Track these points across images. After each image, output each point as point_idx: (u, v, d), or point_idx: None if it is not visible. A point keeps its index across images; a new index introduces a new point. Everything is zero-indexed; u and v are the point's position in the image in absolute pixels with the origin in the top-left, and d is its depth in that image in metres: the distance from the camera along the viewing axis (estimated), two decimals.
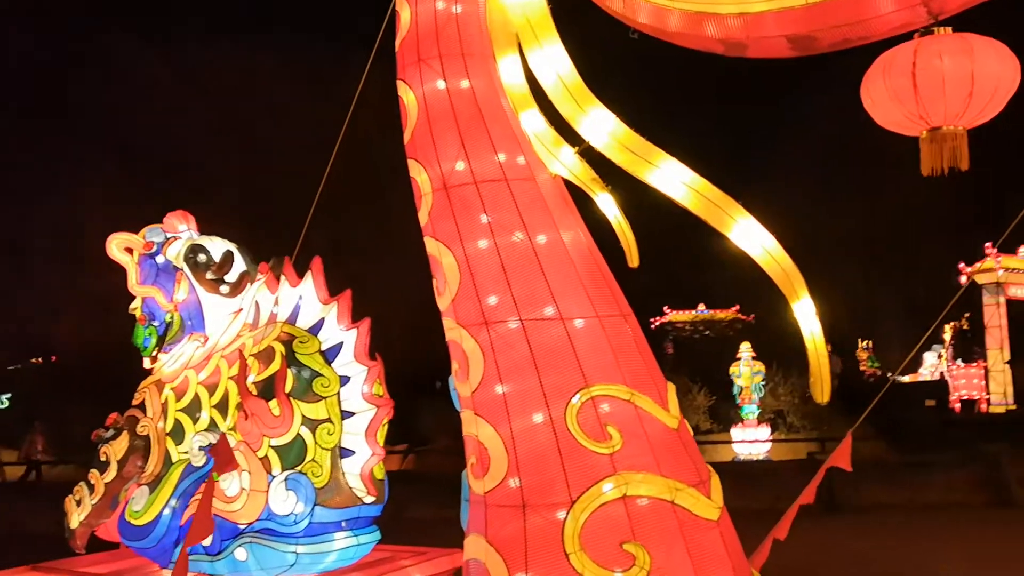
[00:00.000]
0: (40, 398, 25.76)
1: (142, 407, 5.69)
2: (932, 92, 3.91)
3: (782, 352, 22.49)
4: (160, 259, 5.92)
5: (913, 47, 4.14)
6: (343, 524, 5.09)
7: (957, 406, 33.31)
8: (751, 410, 21.16)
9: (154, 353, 5.85)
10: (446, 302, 4.80)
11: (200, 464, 5.32)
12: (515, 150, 4.87)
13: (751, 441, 20.73)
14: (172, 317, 5.81)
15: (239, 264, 5.80)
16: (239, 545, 4.98)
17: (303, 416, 4.99)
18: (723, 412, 23.95)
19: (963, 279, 33.76)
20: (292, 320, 5.41)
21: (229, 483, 5.02)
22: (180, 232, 5.98)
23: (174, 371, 5.67)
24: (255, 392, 5.01)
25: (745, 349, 21.89)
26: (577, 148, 4.98)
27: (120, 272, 6.04)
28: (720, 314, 42.60)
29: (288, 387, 4.97)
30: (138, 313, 5.94)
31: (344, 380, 5.18)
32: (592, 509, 4.17)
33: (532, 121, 5.09)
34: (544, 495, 4.28)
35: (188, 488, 5.33)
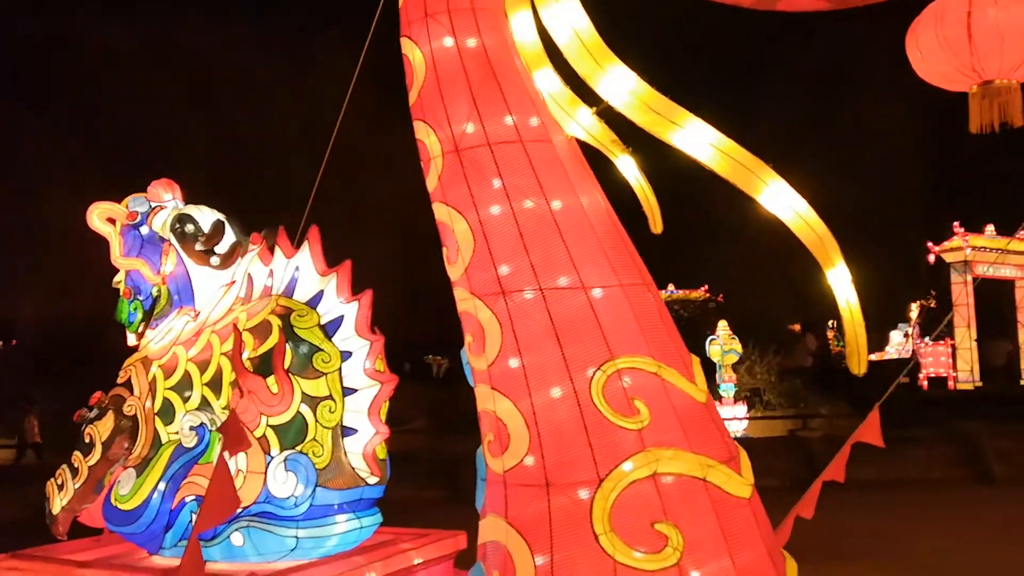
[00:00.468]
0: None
1: (128, 385, 5.37)
2: (988, 43, 3.68)
3: (757, 330, 22.57)
4: (144, 230, 5.57)
5: None
6: (345, 506, 4.85)
7: (925, 383, 33.77)
8: (728, 388, 21.14)
9: (140, 329, 5.53)
10: (459, 271, 4.54)
11: (191, 445, 5.03)
12: (529, 110, 4.60)
13: (729, 419, 20.72)
14: (159, 291, 5.49)
15: (230, 234, 5.49)
16: (235, 530, 4.72)
17: (303, 393, 4.74)
18: None
19: (931, 258, 34.14)
20: (288, 293, 5.13)
21: None
22: (165, 201, 5.64)
23: (162, 347, 5.35)
24: (251, 368, 4.74)
25: (722, 328, 21.84)
26: (595, 108, 4.73)
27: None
28: (693, 294, 42.64)
29: (287, 363, 4.71)
30: (122, 287, 5.61)
31: (345, 355, 4.92)
32: (622, 488, 3.94)
33: (546, 80, 4.83)
34: (569, 473, 4.04)
35: (178, 471, 5.05)
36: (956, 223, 33.93)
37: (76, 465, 5.34)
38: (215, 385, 5.11)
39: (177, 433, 5.13)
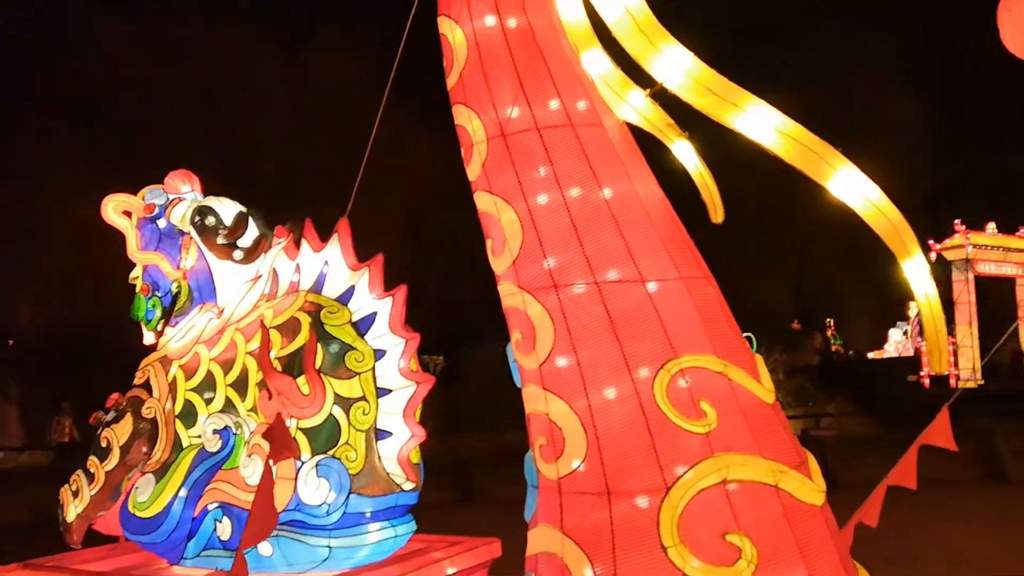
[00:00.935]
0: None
1: (146, 386, 5.09)
2: None
3: (764, 329, 22.30)
4: (162, 223, 5.31)
5: None
6: (379, 514, 4.58)
7: (927, 382, 33.61)
8: None
9: (159, 327, 5.25)
10: (505, 264, 4.26)
11: (215, 449, 4.79)
12: (579, 93, 4.31)
13: None
14: (179, 287, 5.22)
15: (253, 227, 5.21)
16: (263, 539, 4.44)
17: (335, 394, 4.47)
18: None
19: (932, 256, 34.02)
20: (317, 289, 4.86)
21: (252, 470, 4.49)
22: (184, 193, 5.37)
23: (182, 346, 5.07)
24: (279, 368, 4.47)
25: None
26: (649, 90, 4.46)
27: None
28: None
29: (318, 362, 4.44)
30: (139, 283, 5.34)
31: (379, 354, 4.66)
32: (691, 496, 3.65)
33: (596, 61, 4.56)
34: (632, 480, 3.75)
35: (200, 477, 4.81)
36: (957, 221, 33.80)
37: (92, 471, 5.08)
38: (240, 386, 4.84)
39: (199, 437, 4.89)
